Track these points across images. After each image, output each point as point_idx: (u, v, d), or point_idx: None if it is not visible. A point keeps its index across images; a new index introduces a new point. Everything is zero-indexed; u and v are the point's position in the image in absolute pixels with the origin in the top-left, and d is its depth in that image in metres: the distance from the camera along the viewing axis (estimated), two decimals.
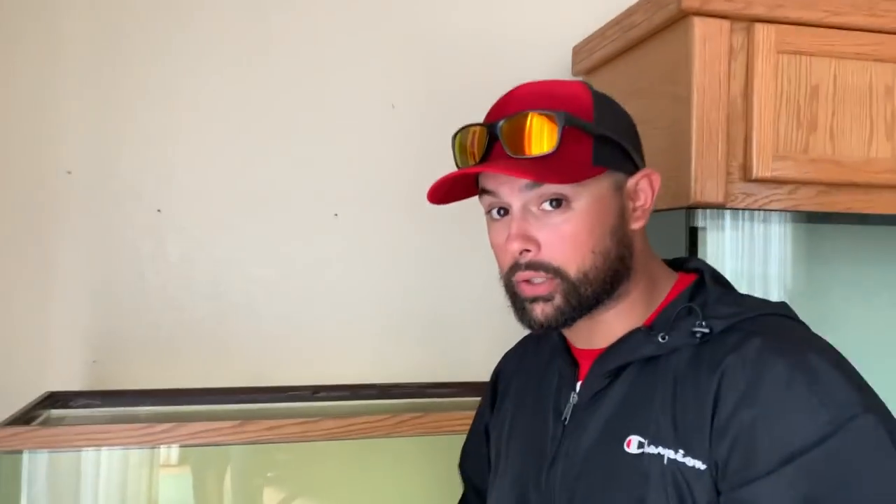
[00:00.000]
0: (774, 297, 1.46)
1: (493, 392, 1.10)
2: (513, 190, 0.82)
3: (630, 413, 0.83)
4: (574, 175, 0.80)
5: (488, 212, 0.88)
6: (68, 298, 1.57)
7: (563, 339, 0.95)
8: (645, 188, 0.87)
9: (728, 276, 0.98)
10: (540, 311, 0.83)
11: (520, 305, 0.85)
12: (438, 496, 1.31)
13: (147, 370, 1.56)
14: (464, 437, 1.18)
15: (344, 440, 1.28)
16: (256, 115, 1.64)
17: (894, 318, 1.70)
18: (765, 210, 1.35)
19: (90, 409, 1.43)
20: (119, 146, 1.60)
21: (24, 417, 1.28)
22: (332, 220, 1.67)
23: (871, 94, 1.34)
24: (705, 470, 0.74)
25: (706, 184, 1.28)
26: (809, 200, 1.34)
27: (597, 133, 0.82)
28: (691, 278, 0.91)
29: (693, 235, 1.34)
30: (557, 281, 0.82)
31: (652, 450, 0.78)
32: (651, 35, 1.41)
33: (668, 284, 0.90)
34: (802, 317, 0.88)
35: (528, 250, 0.82)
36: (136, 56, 1.60)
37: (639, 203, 0.87)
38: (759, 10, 1.29)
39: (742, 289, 0.97)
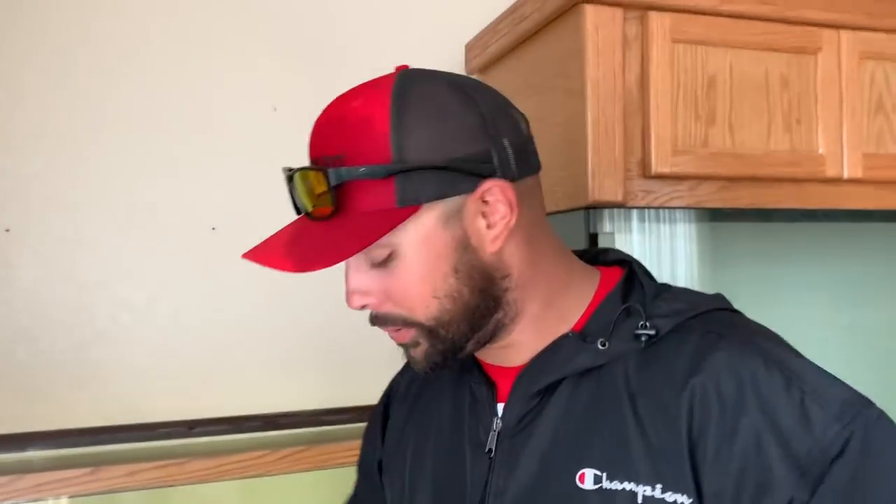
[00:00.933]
0: None
1: (383, 419, 0.96)
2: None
3: (574, 439, 0.70)
4: (351, 247, 0.66)
5: None
6: None
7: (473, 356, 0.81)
8: (498, 199, 0.70)
9: None
10: (417, 355, 0.73)
11: (403, 351, 0.76)
12: None
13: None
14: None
15: (219, 482, 1.13)
16: (123, 119, 1.48)
17: (801, 316, 1.68)
18: (666, 208, 1.28)
19: None
20: None
21: None
22: (210, 234, 1.52)
23: (767, 84, 1.30)
24: None
25: (604, 182, 1.20)
26: (711, 196, 1.28)
27: (397, 169, 0.66)
28: (616, 273, 0.79)
29: (594, 240, 1.26)
30: (413, 329, 0.71)
31: (615, 485, 0.67)
32: (542, 26, 1.33)
33: (590, 283, 0.78)
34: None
35: (367, 304, 0.72)
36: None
37: (495, 219, 0.70)
38: None
39: None
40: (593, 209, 1.25)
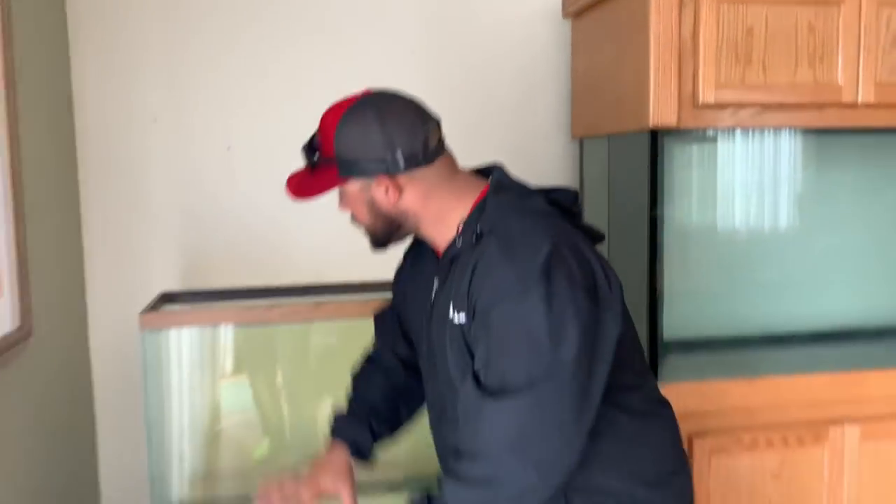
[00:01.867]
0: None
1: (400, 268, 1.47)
2: None
3: (447, 293, 1.18)
4: (315, 189, 1.18)
5: None
6: (165, 219, 1.98)
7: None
8: (382, 186, 1.17)
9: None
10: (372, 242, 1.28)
11: None
12: None
13: (230, 274, 1.99)
14: None
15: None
16: (301, 66, 2.01)
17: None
18: (712, 128, 1.70)
19: (193, 304, 1.86)
20: (195, 95, 1.97)
21: (153, 307, 1.71)
22: None
23: (796, 31, 1.67)
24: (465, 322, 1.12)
25: (662, 110, 1.64)
26: (748, 120, 1.69)
27: (335, 158, 1.17)
28: (484, 192, 1.21)
29: (654, 156, 1.69)
30: (363, 228, 1.26)
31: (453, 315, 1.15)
32: None
33: (470, 200, 1.20)
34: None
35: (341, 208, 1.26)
36: (201, 20, 1.96)
37: (382, 195, 1.17)
38: None
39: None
40: (654, 132, 1.68)
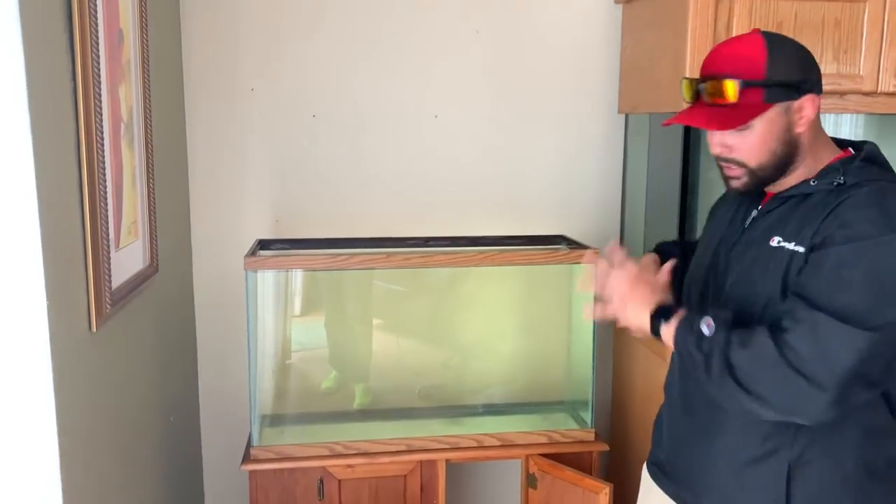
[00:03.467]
0: None
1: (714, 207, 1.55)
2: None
3: (780, 223, 1.27)
4: (745, 118, 1.21)
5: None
6: (259, 177, 2.30)
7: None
8: (806, 106, 1.23)
9: None
10: (734, 184, 1.31)
11: (724, 179, 1.33)
12: None
13: (313, 226, 2.31)
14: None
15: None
16: (379, 45, 2.27)
17: None
18: None
19: (284, 251, 2.18)
20: (287, 68, 2.27)
21: (252, 252, 2.04)
22: (432, 121, 2.32)
23: (822, 26, 1.85)
24: (803, 252, 1.22)
25: None
26: None
27: (767, 82, 1.22)
28: (848, 154, 1.31)
29: (687, 130, 1.92)
30: (743, 170, 1.28)
31: (786, 244, 1.24)
32: None
33: (829, 157, 1.29)
34: None
35: (723, 151, 1.29)
36: (295, 2, 2.24)
37: (802, 117, 1.24)
38: None
39: None
40: None
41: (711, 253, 1.39)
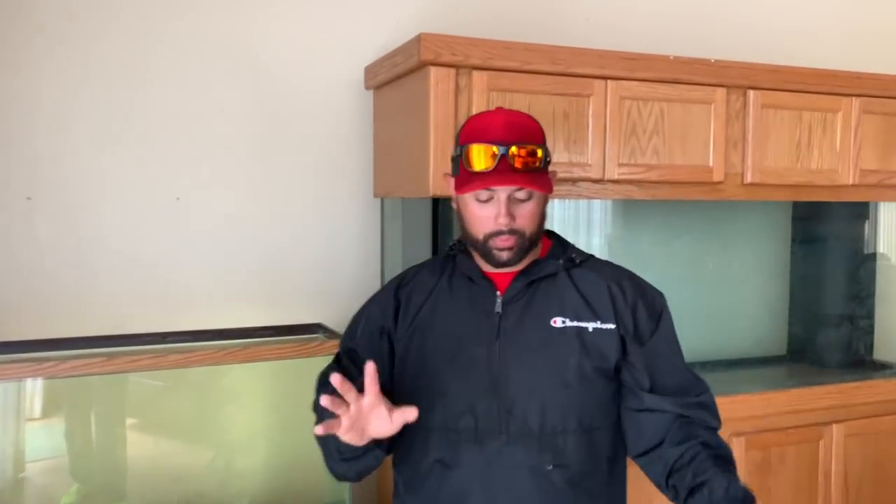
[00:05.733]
0: None
1: (395, 300, 1.42)
2: (506, 189, 1.27)
3: (547, 304, 1.32)
4: (550, 183, 1.30)
5: (476, 198, 1.29)
6: None
7: (474, 267, 1.37)
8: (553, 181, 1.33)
9: None
10: (504, 256, 1.30)
11: (488, 251, 1.31)
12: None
13: (24, 325, 1.99)
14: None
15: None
16: (105, 119, 2.07)
17: None
18: None
19: None
20: None
21: None
22: (175, 203, 2.14)
23: (553, 118, 1.96)
24: (614, 329, 1.32)
25: (441, 182, 1.86)
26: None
27: (547, 154, 1.31)
28: (549, 241, 1.41)
29: (435, 217, 1.93)
30: (517, 239, 1.29)
31: (573, 324, 1.31)
32: (407, 73, 1.97)
33: (540, 242, 1.37)
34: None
35: (509, 222, 1.28)
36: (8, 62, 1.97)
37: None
38: (475, 62, 1.87)
39: None
40: (434, 199, 1.91)
41: (451, 356, 1.33)
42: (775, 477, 2.29)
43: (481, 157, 1.27)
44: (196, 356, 1.80)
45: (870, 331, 2.71)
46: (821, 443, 2.29)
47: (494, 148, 1.27)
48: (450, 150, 1.86)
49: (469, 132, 1.32)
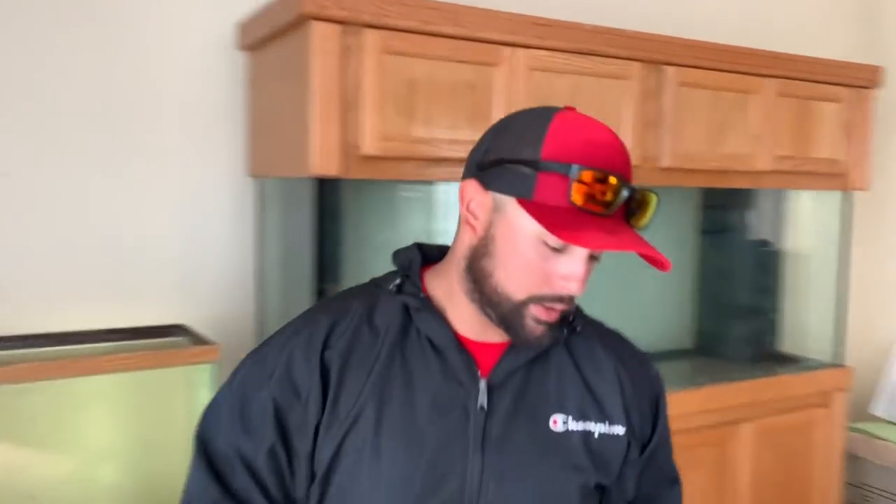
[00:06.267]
0: None
1: (320, 365, 0.94)
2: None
3: (544, 393, 0.95)
4: (650, 246, 0.89)
5: (545, 241, 0.87)
6: None
7: (444, 332, 0.94)
8: None
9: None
10: (543, 333, 0.91)
11: (519, 318, 0.90)
12: None
13: None
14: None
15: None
16: None
17: None
18: (376, 180, 1.69)
19: None
20: None
21: None
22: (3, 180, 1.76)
23: (455, 89, 1.72)
24: (623, 434, 0.98)
25: (325, 159, 1.58)
26: (411, 173, 1.70)
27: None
28: None
29: (321, 205, 1.65)
30: (568, 307, 0.92)
31: (577, 426, 0.96)
32: (286, 29, 1.67)
33: None
34: None
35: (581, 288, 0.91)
36: None
37: None
38: (367, 18, 1.59)
39: None
40: (317, 179, 1.63)
41: (409, 474, 0.91)
42: (685, 482, 2.16)
43: (608, 192, 0.85)
44: (20, 370, 1.44)
45: (777, 323, 2.63)
46: (730, 443, 2.18)
47: (617, 186, 0.85)
48: (336, 123, 1.59)
49: (574, 142, 0.86)
